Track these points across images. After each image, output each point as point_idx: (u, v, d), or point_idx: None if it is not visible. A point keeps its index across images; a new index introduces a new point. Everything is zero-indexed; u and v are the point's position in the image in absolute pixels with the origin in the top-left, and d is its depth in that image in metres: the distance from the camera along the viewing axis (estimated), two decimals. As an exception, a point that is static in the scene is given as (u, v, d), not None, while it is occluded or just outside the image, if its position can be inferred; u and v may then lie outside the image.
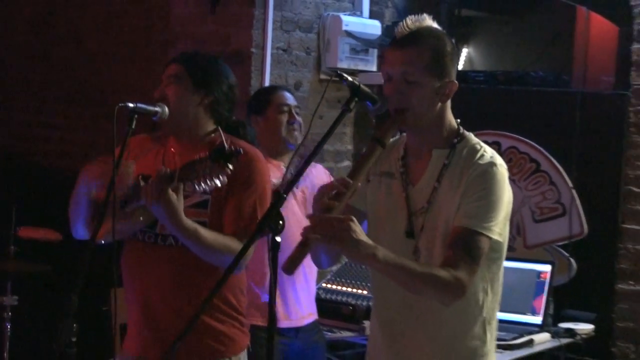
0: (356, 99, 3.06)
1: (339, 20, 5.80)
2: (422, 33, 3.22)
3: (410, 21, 3.32)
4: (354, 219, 2.89)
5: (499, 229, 3.14)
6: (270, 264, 2.86)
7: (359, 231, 2.89)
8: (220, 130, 3.68)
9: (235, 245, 3.51)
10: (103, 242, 3.57)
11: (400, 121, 3.16)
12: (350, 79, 3.07)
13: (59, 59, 7.04)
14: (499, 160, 3.22)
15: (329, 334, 5.09)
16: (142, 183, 3.46)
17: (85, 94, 6.90)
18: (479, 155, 3.23)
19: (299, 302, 4.51)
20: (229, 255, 3.46)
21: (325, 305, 5.12)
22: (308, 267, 4.21)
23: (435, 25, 3.28)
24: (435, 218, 3.21)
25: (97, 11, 6.87)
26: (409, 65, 3.15)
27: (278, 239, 2.83)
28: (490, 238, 3.11)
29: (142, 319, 3.66)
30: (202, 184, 3.29)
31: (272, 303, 2.90)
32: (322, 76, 5.90)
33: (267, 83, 5.51)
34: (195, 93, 3.69)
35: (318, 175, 4.63)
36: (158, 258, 3.62)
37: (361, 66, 5.95)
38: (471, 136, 3.32)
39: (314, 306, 4.67)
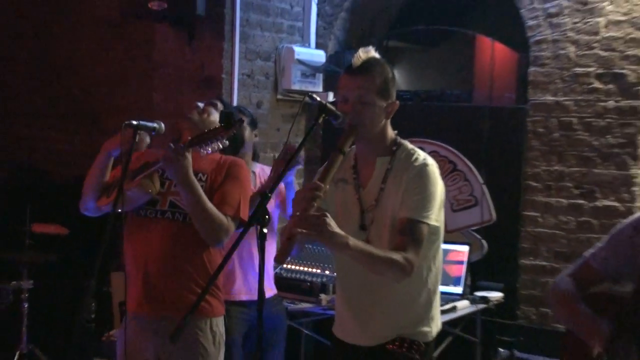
0: (323, 115, 3.09)
1: (292, 51, 5.82)
2: (372, 63, 3.27)
3: (362, 53, 3.38)
4: (329, 215, 2.95)
5: (435, 216, 3.20)
6: (258, 251, 2.88)
7: (334, 224, 2.94)
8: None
9: (224, 220, 3.52)
10: (120, 210, 3.51)
11: (355, 134, 3.21)
12: (318, 99, 3.11)
13: (59, 86, 6.98)
14: (430, 161, 3.28)
15: (291, 305, 5.11)
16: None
17: (80, 113, 6.84)
18: (413, 158, 3.29)
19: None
20: (217, 225, 3.51)
21: (287, 282, 5.17)
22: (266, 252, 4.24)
23: (378, 55, 3.34)
24: (382, 213, 3.27)
25: (90, 44, 6.81)
26: (363, 89, 3.20)
27: (265, 230, 2.86)
28: (429, 225, 3.17)
29: (140, 281, 3.62)
30: (211, 144, 3.35)
31: (261, 283, 2.92)
32: (279, 96, 5.91)
33: (235, 103, 5.47)
34: None
35: (265, 174, 4.62)
36: (157, 230, 3.59)
37: (310, 88, 5.94)
38: (407, 143, 3.37)
39: (272, 283, 4.67)
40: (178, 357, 3.61)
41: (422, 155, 3.31)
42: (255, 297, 4.53)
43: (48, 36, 7.03)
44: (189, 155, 3.41)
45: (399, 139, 3.35)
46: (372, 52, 3.38)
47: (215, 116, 3.78)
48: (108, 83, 6.71)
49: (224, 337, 3.75)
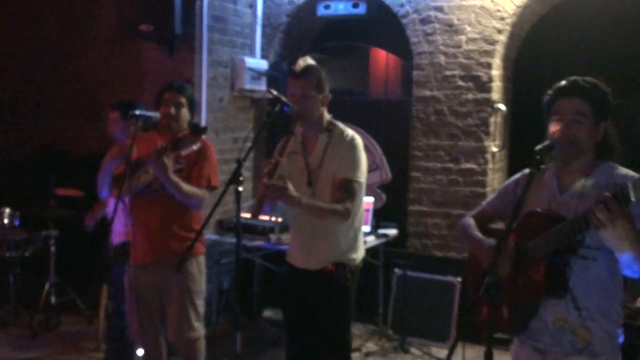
0: (279, 104, 3.16)
1: (244, 61, 5.78)
2: (309, 68, 3.33)
3: (302, 61, 3.44)
4: (288, 182, 3.05)
5: (362, 175, 3.30)
6: (235, 207, 2.88)
7: (292, 189, 3.04)
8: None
9: (198, 192, 3.61)
10: (118, 199, 3.58)
11: (301, 120, 3.30)
12: (275, 93, 3.17)
13: (72, 87, 6.88)
14: (357, 136, 3.36)
15: (248, 242, 5.14)
16: (142, 158, 3.51)
17: (88, 108, 6.76)
18: (345, 134, 3.37)
19: None
20: (195, 198, 3.60)
21: (245, 226, 5.13)
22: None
23: (313, 61, 3.42)
24: (324, 173, 3.33)
25: (95, 56, 6.73)
26: (305, 87, 3.29)
27: (240, 189, 2.87)
28: (358, 182, 3.28)
29: (143, 239, 3.69)
30: (186, 149, 3.36)
31: (238, 236, 2.90)
32: (235, 94, 5.87)
33: (204, 99, 5.46)
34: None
35: None
36: (153, 203, 3.65)
37: (256, 87, 5.91)
38: (339, 124, 3.45)
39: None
40: (175, 281, 3.69)
41: (350, 132, 3.39)
42: None
43: (64, 49, 6.88)
44: (168, 159, 3.42)
45: (334, 121, 3.44)
46: (309, 60, 3.44)
47: (184, 111, 3.73)
48: (109, 85, 6.60)
49: (205, 267, 3.83)
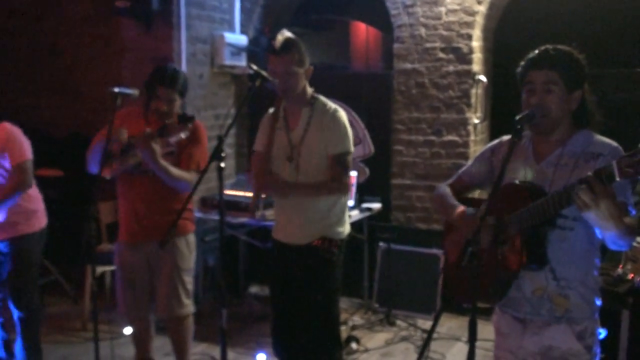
0: (259, 79, 3.14)
1: (223, 36, 5.74)
2: (289, 43, 3.32)
3: (280, 36, 3.41)
4: (282, 179, 3.24)
5: (351, 145, 3.33)
6: (218, 185, 2.82)
7: (285, 184, 3.28)
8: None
9: (187, 176, 3.60)
10: (108, 177, 3.63)
11: (286, 97, 3.31)
12: (256, 68, 3.11)
13: (49, 67, 6.79)
14: (339, 108, 3.40)
15: (233, 220, 5.13)
16: (132, 141, 3.49)
17: (66, 87, 6.68)
18: (327, 107, 3.39)
19: None
20: (183, 182, 3.59)
21: (229, 203, 5.11)
22: None
23: (292, 35, 3.39)
24: (307, 148, 3.34)
25: (72, 34, 6.62)
26: (287, 64, 3.28)
27: (222, 165, 2.81)
28: (349, 152, 3.31)
29: (131, 218, 3.70)
30: (174, 136, 3.37)
31: (222, 213, 2.85)
32: (215, 70, 5.84)
33: (183, 76, 5.45)
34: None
35: None
36: (142, 182, 3.65)
37: (236, 62, 5.89)
38: (321, 97, 3.45)
39: None
40: (164, 259, 3.70)
41: (333, 105, 3.40)
42: None
43: (39, 28, 6.76)
44: (156, 145, 3.42)
45: (315, 95, 3.43)
46: (287, 33, 3.41)
47: (176, 104, 3.67)
48: (87, 63, 6.53)
49: (195, 245, 3.85)
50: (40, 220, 4.11)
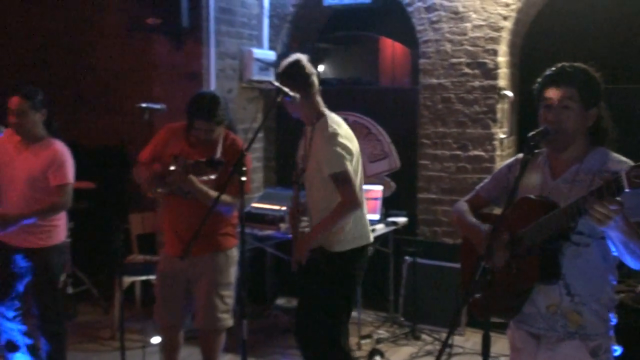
0: (281, 94, 3.22)
1: (251, 52, 5.82)
2: (288, 69, 3.45)
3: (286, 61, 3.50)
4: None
5: (343, 163, 3.34)
6: (239, 196, 2.97)
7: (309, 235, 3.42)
8: (225, 129, 3.72)
9: (229, 199, 3.58)
10: (150, 196, 3.75)
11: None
12: (277, 84, 3.22)
13: (85, 83, 6.95)
14: (335, 127, 3.42)
15: (259, 232, 5.20)
16: (172, 163, 3.54)
17: (102, 102, 6.83)
18: (323, 128, 3.42)
19: None
20: (226, 206, 3.59)
21: (256, 216, 5.23)
22: None
23: (300, 56, 3.48)
24: (308, 173, 3.42)
25: (105, 52, 6.79)
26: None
27: (243, 178, 2.94)
28: (346, 170, 3.31)
29: (173, 235, 3.76)
30: (204, 176, 3.46)
31: (242, 225, 2.98)
32: (243, 85, 5.91)
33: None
34: None
35: None
36: (182, 203, 3.69)
37: (265, 77, 5.93)
38: (328, 116, 3.46)
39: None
40: (203, 273, 3.75)
41: (330, 126, 3.41)
42: None
43: (74, 47, 6.96)
44: (190, 179, 3.48)
45: (325, 112, 3.43)
46: (295, 56, 3.49)
47: (216, 134, 3.69)
48: (120, 78, 6.66)
49: (236, 259, 3.83)
50: (60, 234, 4.15)
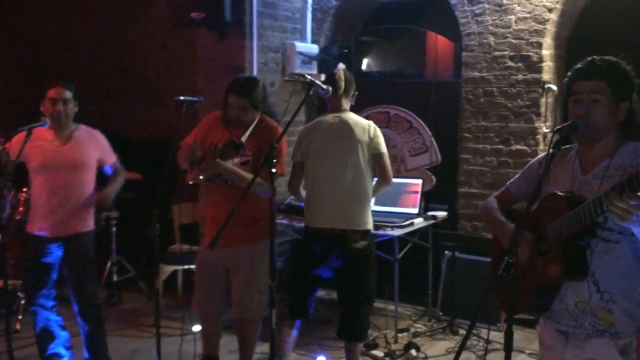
0: (313, 88, 3.26)
1: (294, 46, 5.86)
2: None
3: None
4: None
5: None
6: (270, 188, 3.02)
7: None
8: (261, 114, 3.79)
9: (264, 182, 3.52)
10: (190, 183, 3.80)
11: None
12: (310, 77, 3.29)
13: (131, 75, 7.08)
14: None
15: (298, 224, 5.12)
16: (213, 149, 3.60)
17: (147, 94, 6.97)
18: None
19: None
20: (260, 187, 3.57)
21: (296, 208, 5.19)
22: None
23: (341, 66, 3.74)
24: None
25: (151, 45, 6.93)
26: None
27: (274, 170, 2.97)
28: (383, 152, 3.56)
29: (213, 224, 3.81)
30: (230, 159, 3.51)
31: (272, 216, 3.06)
32: (286, 78, 5.96)
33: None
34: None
35: None
36: (222, 190, 3.76)
37: (307, 71, 5.93)
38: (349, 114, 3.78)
39: None
40: (242, 262, 3.80)
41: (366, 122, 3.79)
42: None
43: (123, 38, 7.11)
44: (219, 163, 3.55)
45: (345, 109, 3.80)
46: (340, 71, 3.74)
47: (252, 113, 3.74)
48: (165, 72, 6.79)
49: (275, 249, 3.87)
50: (91, 222, 4.26)
